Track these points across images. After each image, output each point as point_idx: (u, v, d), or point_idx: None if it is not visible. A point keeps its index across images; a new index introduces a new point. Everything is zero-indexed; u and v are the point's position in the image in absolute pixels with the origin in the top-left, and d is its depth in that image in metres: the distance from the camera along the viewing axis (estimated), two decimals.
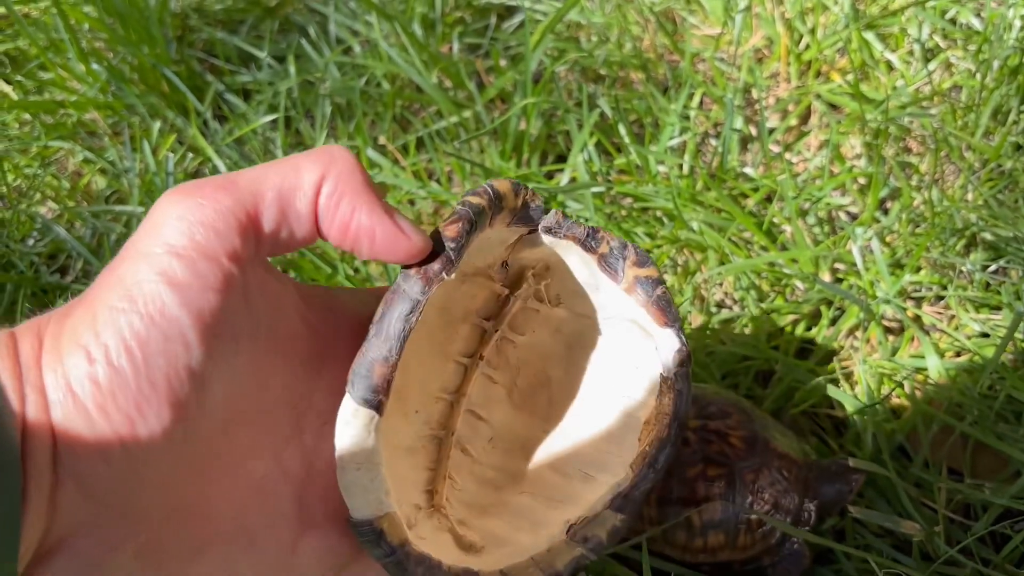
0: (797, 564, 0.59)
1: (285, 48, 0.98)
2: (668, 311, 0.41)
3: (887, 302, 0.71)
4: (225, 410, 0.33)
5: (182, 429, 0.31)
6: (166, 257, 0.31)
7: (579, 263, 0.43)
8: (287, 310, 0.36)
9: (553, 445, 0.46)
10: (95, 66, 0.95)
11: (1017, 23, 0.84)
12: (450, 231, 0.36)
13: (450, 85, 0.93)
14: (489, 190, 0.38)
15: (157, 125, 0.90)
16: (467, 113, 0.88)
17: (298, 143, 0.91)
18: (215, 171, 0.88)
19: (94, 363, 0.30)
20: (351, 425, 0.34)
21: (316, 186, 0.34)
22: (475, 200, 0.37)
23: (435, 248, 0.36)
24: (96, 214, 0.84)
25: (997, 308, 0.71)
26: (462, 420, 0.45)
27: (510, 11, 1.02)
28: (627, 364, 0.45)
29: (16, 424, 0.29)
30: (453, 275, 0.36)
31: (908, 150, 0.84)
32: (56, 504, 0.30)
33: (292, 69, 0.91)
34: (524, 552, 0.40)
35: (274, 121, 0.90)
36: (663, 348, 0.41)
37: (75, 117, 0.94)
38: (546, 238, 0.42)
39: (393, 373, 0.34)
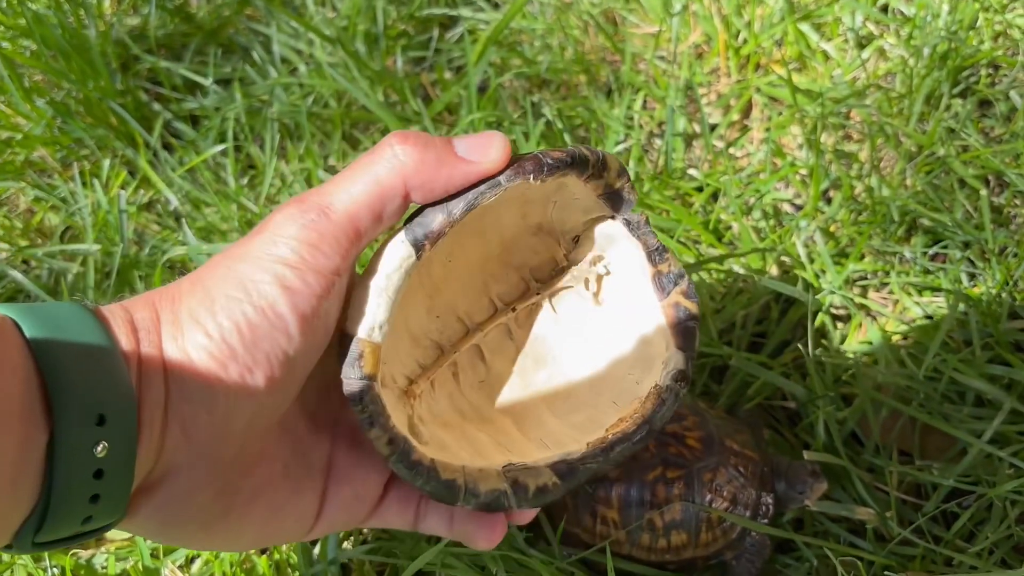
0: (759, 555, 0.62)
1: (230, 72, 0.98)
2: (690, 341, 0.44)
3: (833, 292, 0.73)
4: (299, 385, 0.40)
5: (269, 397, 0.38)
6: (279, 266, 0.37)
7: (636, 267, 0.46)
8: None
9: (529, 413, 0.48)
10: (39, 102, 0.94)
11: (945, 8, 0.86)
12: (554, 154, 0.39)
13: (396, 100, 0.93)
14: (599, 154, 0.41)
15: (107, 161, 0.90)
16: (415, 128, 0.88)
17: (250, 166, 0.92)
18: (167, 204, 0.88)
19: (210, 338, 0.36)
20: (392, 253, 0.39)
21: (402, 191, 0.39)
22: (585, 151, 0.40)
23: (536, 155, 0.40)
24: (51, 254, 0.84)
25: (938, 290, 0.74)
26: (467, 351, 0.48)
27: (453, 20, 1.02)
28: (631, 374, 0.47)
29: (132, 372, 0.35)
30: (539, 181, 0.39)
31: (848, 138, 0.87)
32: (163, 447, 0.36)
33: (238, 95, 0.91)
34: (459, 462, 0.42)
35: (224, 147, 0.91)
36: (670, 364, 0.44)
37: (23, 156, 0.94)
38: (623, 231, 0.45)
39: (448, 229, 0.39)
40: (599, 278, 0.48)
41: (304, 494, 0.44)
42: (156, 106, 0.96)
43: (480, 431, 0.47)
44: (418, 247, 0.39)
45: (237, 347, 0.36)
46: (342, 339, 0.39)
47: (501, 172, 0.39)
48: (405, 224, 0.40)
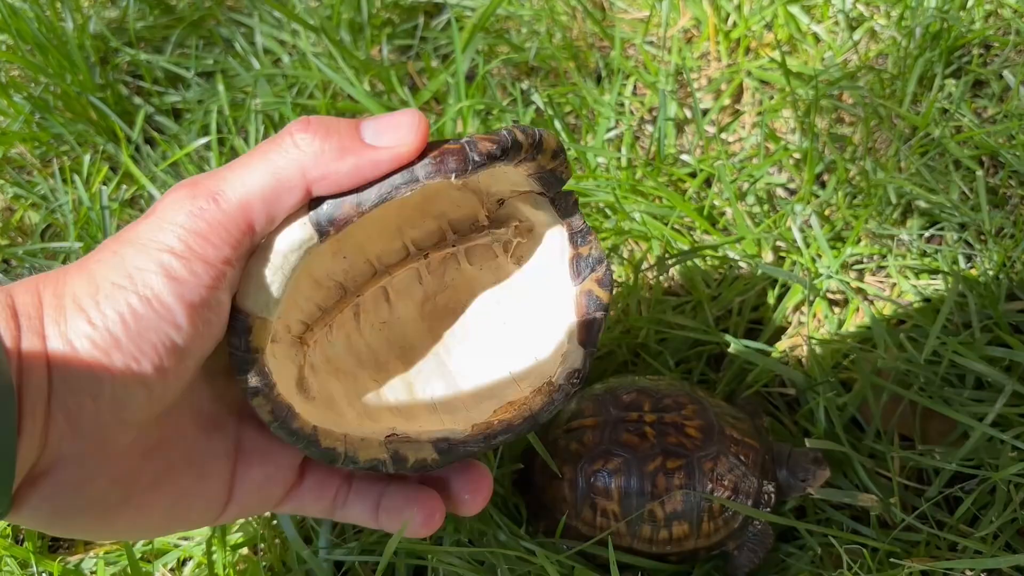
0: (762, 544, 0.61)
1: (212, 64, 0.96)
2: (592, 334, 0.44)
3: (829, 277, 0.72)
4: (195, 371, 0.39)
5: (160, 384, 0.37)
6: (166, 255, 0.36)
7: (556, 246, 0.45)
8: None
9: (427, 367, 0.48)
10: (16, 98, 0.92)
11: None
12: (483, 146, 0.38)
13: (383, 90, 0.92)
14: (536, 136, 0.40)
15: (88, 157, 0.88)
16: None
17: (232, 148, 0.90)
18: (151, 200, 0.86)
19: (94, 327, 0.35)
20: (293, 233, 0.37)
21: (301, 183, 0.37)
22: (519, 136, 0.39)
23: (463, 146, 0.38)
24: (32, 252, 0.82)
25: (936, 272, 0.73)
26: (373, 291, 0.47)
27: (438, 8, 1.01)
28: (531, 350, 0.47)
29: (12, 362, 0.34)
30: (459, 180, 0.38)
31: (841, 120, 0.86)
32: (47, 437, 0.35)
33: (221, 87, 0.89)
34: (342, 427, 0.43)
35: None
36: (567, 361, 0.44)
37: (0, 153, 0.92)
38: (549, 207, 0.44)
39: (355, 220, 0.37)
40: (518, 245, 0.47)
41: (210, 479, 0.43)
42: (137, 100, 0.94)
43: (373, 380, 0.46)
44: (322, 232, 0.37)
45: (122, 337, 0.35)
46: (234, 311, 0.38)
47: (420, 159, 0.37)
48: (310, 204, 0.38)
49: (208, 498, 0.43)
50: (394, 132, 0.37)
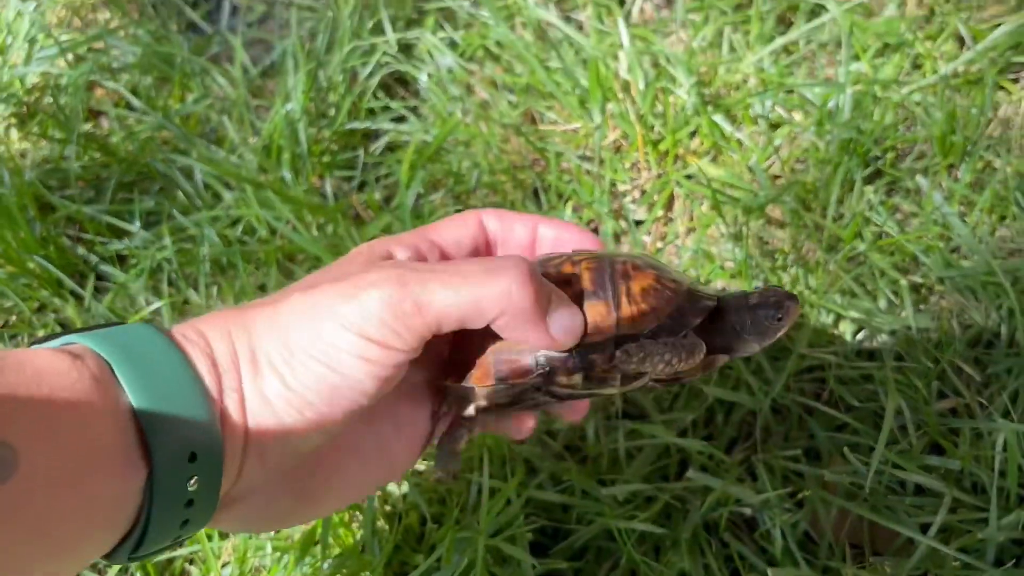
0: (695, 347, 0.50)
1: (154, 205, 0.97)
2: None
3: (773, 399, 0.76)
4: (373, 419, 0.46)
5: (342, 433, 0.43)
6: (363, 342, 0.40)
7: None
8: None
9: None
10: None
11: (847, 103, 0.90)
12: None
13: (328, 221, 0.94)
14: None
15: (40, 330, 0.88)
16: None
17: (184, 302, 0.91)
18: None
19: (289, 389, 0.40)
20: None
21: (491, 320, 0.42)
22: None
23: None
24: None
25: (871, 380, 0.77)
26: None
27: (376, 132, 1.03)
28: None
29: (216, 412, 0.39)
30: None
31: (771, 222, 0.90)
32: (241, 473, 0.41)
33: (168, 240, 0.90)
34: None
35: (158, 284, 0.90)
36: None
37: None
38: None
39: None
40: None
41: (370, 463, 0.48)
42: (80, 250, 0.94)
43: None
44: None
45: (315, 401, 0.40)
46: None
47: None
48: None
49: (374, 476, 0.49)
50: (566, 333, 0.44)
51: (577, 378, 0.48)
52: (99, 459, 0.35)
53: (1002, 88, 0.93)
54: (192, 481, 0.38)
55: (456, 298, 0.40)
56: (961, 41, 0.96)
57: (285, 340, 0.40)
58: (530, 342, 0.44)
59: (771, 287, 0.53)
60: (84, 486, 0.35)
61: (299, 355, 0.39)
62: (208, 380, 0.39)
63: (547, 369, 0.47)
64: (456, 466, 0.53)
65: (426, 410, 0.51)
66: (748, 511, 0.73)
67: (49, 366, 0.35)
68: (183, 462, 0.37)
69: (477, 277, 0.41)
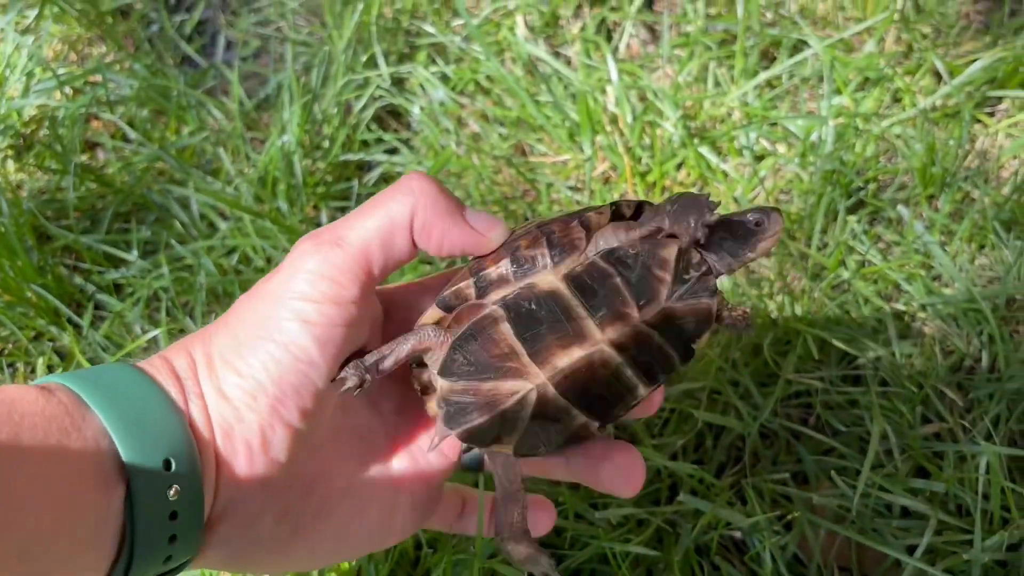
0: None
1: (151, 235, 0.98)
2: None
3: (762, 423, 0.78)
4: (331, 410, 0.44)
5: (303, 423, 0.42)
6: (299, 302, 0.40)
7: None
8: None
9: None
10: None
11: (830, 135, 0.93)
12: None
13: None
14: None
15: (40, 360, 0.88)
16: None
17: (181, 330, 0.92)
18: None
19: (241, 376, 0.40)
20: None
21: (408, 225, 0.42)
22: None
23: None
24: None
25: (856, 405, 0.79)
26: None
27: (369, 163, 1.05)
28: None
29: (185, 422, 0.39)
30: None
31: None
32: (219, 482, 0.40)
33: (165, 269, 0.91)
34: None
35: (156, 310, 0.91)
36: None
37: None
38: None
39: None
40: None
41: (369, 506, 0.47)
42: (78, 279, 0.95)
43: None
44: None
45: (265, 381, 0.40)
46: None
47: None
48: None
49: (371, 524, 0.47)
50: (490, 227, 0.43)
51: (505, 265, 0.43)
52: (75, 478, 0.36)
53: (979, 121, 0.96)
54: (172, 491, 0.38)
55: (368, 221, 0.42)
56: (938, 76, 0.99)
57: (235, 333, 0.41)
58: (457, 244, 0.43)
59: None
60: (63, 506, 0.35)
61: (247, 341, 0.40)
62: (173, 392, 0.40)
63: (481, 270, 0.43)
64: (534, 551, 0.48)
65: (439, 484, 0.50)
66: (738, 534, 0.74)
67: (20, 396, 0.36)
68: (159, 470, 0.37)
69: (379, 197, 0.43)
